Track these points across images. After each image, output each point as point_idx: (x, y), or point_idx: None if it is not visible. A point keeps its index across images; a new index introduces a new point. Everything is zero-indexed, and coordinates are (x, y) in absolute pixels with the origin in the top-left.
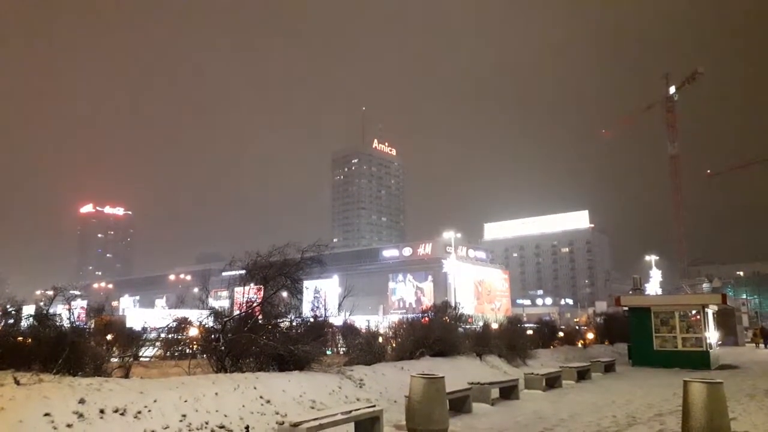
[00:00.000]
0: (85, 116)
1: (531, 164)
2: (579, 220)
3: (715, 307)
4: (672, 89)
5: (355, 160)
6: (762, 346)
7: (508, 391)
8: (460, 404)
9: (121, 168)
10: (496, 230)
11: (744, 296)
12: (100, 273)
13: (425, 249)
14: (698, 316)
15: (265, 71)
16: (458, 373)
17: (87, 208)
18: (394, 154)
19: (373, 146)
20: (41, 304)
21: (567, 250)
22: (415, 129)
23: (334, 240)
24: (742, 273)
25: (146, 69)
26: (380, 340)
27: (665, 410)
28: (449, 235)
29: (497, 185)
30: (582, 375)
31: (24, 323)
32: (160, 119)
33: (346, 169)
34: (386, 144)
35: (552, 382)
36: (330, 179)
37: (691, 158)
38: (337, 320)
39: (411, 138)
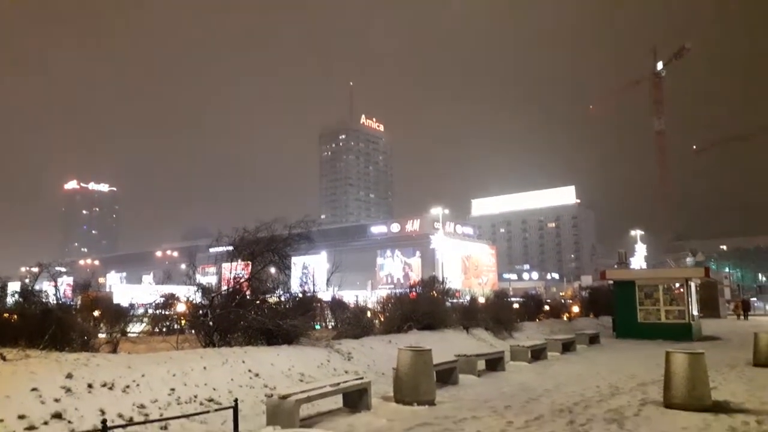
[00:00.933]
0: (67, 91)
1: (519, 140)
2: (565, 195)
3: (698, 281)
4: (659, 65)
5: (343, 136)
6: (743, 318)
7: (495, 363)
8: (447, 376)
9: (106, 144)
10: (483, 206)
11: (727, 270)
12: (85, 250)
13: (413, 225)
14: (682, 289)
15: (254, 43)
16: (445, 345)
17: (71, 185)
18: (382, 130)
19: (361, 122)
20: (26, 280)
21: (553, 225)
22: (403, 105)
23: (322, 216)
24: (725, 247)
25: (126, 41)
26: (368, 314)
27: (648, 380)
28: (437, 211)
29: (485, 162)
30: (567, 347)
31: (9, 300)
32: (143, 93)
33: (333, 145)
34: (374, 120)
35: (537, 353)
36: (317, 155)
37: (678, 134)
38: (325, 295)
39: (399, 114)
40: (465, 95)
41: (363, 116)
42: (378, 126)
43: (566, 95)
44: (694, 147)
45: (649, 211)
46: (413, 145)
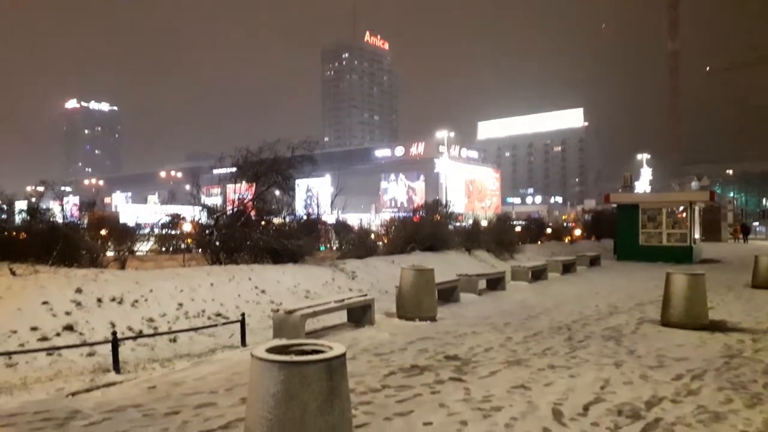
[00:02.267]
0: (67, 9)
1: (528, 60)
2: (573, 118)
3: (703, 204)
4: None
5: (346, 55)
6: (742, 241)
7: (495, 283)
8: (448, 294)
9: (105, 64)
10: (489, 129)
11: (731, 194)
12: (90, 170)
13: (418, 148)
14: (684, 213)
15: None
16: (447, 266)
17: (71, 104)
18: (387, 48)
19: (365, 39)
20: (33, 199)
21: (559, 148)
22: (408, 22)
23: (326, 139)
24: (731, 171)
25: None
26: (372, 236)
27: (646, 300)
28: (442, 134)
29: (493, 83)
30: (567, 268)
31: (17, 218)
32: (142, 13)
33: (336, 64)
34: (378, 37)
35: (538, 274)
36: (320, 75)
37: (691, 55)
38: (330, 218)
39: (404, 32)
40: (473, 13)
41: (367, 33)
42: (383, 44)
43: (578, 14)
44: (708, 69)
45: (658, 134)
46: (419, 65)
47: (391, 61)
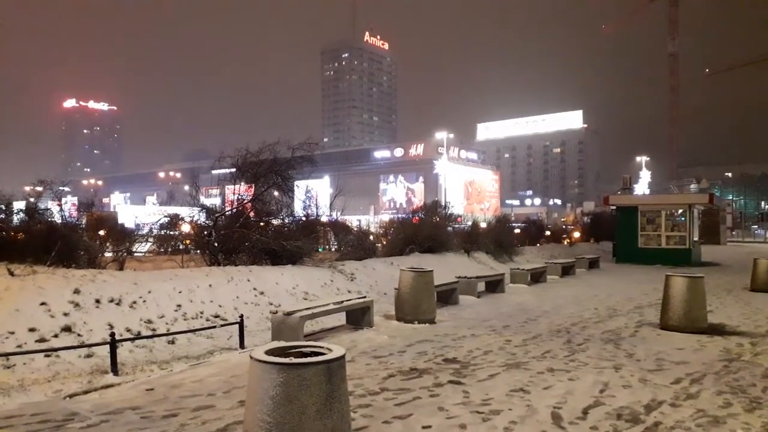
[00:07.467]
0: (67, 8)
1: (528, 63)
2: (573, 120)
3: (702, 207)
4: None
5: (346, 54)
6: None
7: (494, 285)
8: (447, 296)
9: (104, 64)
10: (489, 130)
11: (730, 197)
12: (88, 170)
13: (417, 150)
14: (683, 217)
15: None
16: (446, 268)
17: (70, 103)
18: (387, 48)
19: (365, 39)
20: (31, 199)
21: (558, 150)
22: (408, 23)
23: (324, 140)
24: (730, 174)
25: None
26: (371, 237)
27: (645, 303)
28: (442, 135)
29: (493, 85)
30: (566, 271)
31: (15, 218)
32: (143, 12)
33: (336, 64)
34: (378, 38)
35: (537, 276)
36: (319, 75)
37: (692, 58)
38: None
39: (404, 32)
40: (473, 15)
41: (367, 33)
42: (382, 44)
43: (577, 18)
44: (707, 71)
45: (657, 137)
46: (419, 66)
47: (391, 62)
